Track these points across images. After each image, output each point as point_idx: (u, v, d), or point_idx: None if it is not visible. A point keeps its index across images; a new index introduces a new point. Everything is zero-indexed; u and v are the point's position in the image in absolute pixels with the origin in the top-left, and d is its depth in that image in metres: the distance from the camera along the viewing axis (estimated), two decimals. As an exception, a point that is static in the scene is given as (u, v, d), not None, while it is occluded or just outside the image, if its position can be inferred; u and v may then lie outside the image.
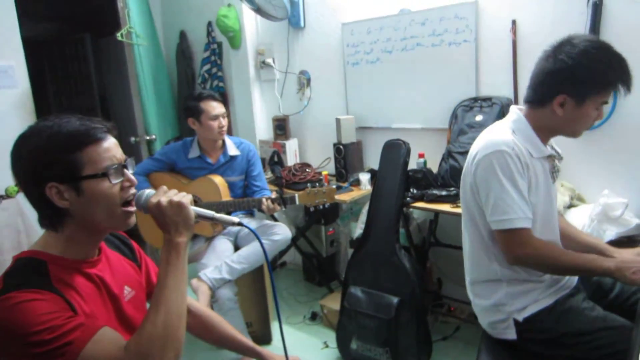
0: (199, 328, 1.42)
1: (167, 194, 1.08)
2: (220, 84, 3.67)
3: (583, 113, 1.40)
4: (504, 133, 1.45)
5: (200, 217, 1.12)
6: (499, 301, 1.52)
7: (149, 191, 1.11)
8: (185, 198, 1.08)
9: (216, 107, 2.50)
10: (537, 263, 1.42)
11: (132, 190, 1.09)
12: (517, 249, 1.40)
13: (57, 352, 0.90)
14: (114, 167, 1.04)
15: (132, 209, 1.09)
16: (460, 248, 2.57)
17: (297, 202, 2.29)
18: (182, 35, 3.82)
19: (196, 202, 2.52)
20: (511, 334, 1.51)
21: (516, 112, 1.51)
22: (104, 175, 1.02)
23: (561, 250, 1.47)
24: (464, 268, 1.67)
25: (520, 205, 1.38)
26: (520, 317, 1.49)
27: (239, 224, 1.14)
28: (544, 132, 1.48)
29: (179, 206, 1.06)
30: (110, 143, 1.06)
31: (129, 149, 3.41)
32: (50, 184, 1.00)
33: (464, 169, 1.56)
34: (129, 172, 1.09)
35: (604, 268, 1.35)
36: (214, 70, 3.65)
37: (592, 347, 1.39)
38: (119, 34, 3.25)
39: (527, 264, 1.44)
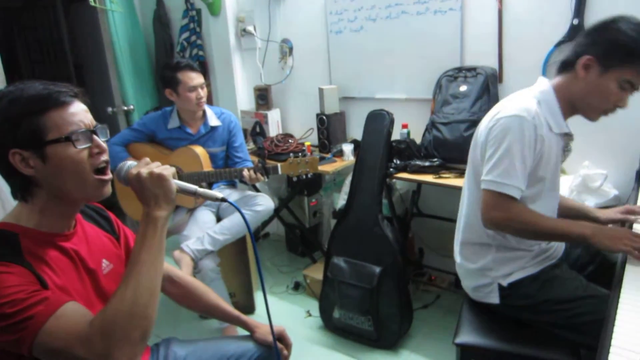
0: (185, 297, 1.41)
1: (149, 166, 1.04)
2: (200, 53, 3.58)
3: (604, 84, 1.36)
4: (530, 101, 1.42)
5: (182, 190, 1.08)
6: (486, 265, 1.54)
7: (130, 162, 1.07)
8: (167, 170, 1.04)
9: (194, 78, 2.42)
10: (513, 228, 1.42)
11: (103, 157, 1.04)
12: (496, 213, 1.39)
13: (18, 326, 0.87)
14: (80, 132, 0.99)
15: (106, 177, 1.05)
16: (442, 218, 2.64)
17: (280, 172, 2.27)
18: (159, 2, 3.69)
19: (177, 172, 2.48)
20: (494, 298, 1.54)
21: (545, 82, 1.49)
22: (68, 139, 0.97)
23: (539, 215, 1.47)
24: (456, 229, 1.68)
25: (519, 174, 1.37)
26: (504, 282, 1.52)
27: (222, 199, 1.11)
28: (567, 106, 1.45)
29: (159, 178, 1.01)
30: (78, 108, 1.02)
31: (107, 120, 3.32)
32: (13, 151, 0.96)
33: (477, 129, 1.54)
34: (99, 139, 1.04)
35: (578, 233, 1.36)
36: (193, 38, 3.55)
37: (572, 314, 1.43)
38: (91, -1, 3.12)
39: (502, 227, 1.43)
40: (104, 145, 1.05)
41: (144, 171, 1.02)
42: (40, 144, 0.96)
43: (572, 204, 1.72)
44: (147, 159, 1.07)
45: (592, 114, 1.46)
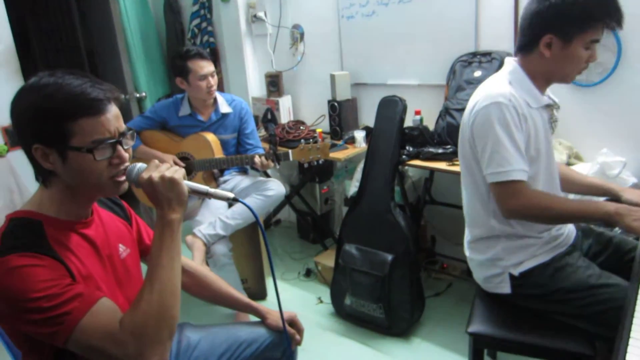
0: (195, 287, 1.42)
1: (159, 169, 1.03)
2: (211, 40, 3.56)
3: (572, 53, 1.37)
4: (501, 85, 1.42)
5: (194, 192, 1.08)
6: (496, 255, 1.52)
7: (140, 165, 1.06)
8: (178, 173, 1.03)
9: (204, 66, 2.41)
10: (532, 214, 1.39)
11: (122, 167, 1.03)
12: (511, 201, 1.37)
13: (55, 320, 0.89)
14: (105, 142, 0.98)
15: (122, 179, 1.05)
16: (454, 206, 2.61)
17: (291, 159, 2.26)
18: (170, -12, 3.67)
19: (189, 159, 2.49)
20: (506, 288, 1.53)
21: (512, 62, 1.48)
22: (89, 151, 0.97)
23: (556, 197, 1.45)
24: (465, 226, 1.66)
25: (516, 157, 1.36)
26: (516, 272, 1.50)
27: (234, 199, 1.11)
28: (540, 80, 1.45)
29: (171, 182, 1.01)
30: (109, 116, 0.99)
31: (119, 107, 3.33)
32: (36, 145, 0.96)
33: (462, 122, 1.54)
34: (123, 148, 1.03)
35: (603, 212, 1.32)
36: (204, 24, 3.53)
37: (585, 303, 1.41)
38: (102, -15, 3.11)
39: (522, 215, 1.41)
40: (126, 155, 1.04)
41: (156, 175, 1.01)
42: (63, 146, 0.96)
43: (593, 182, 1.68)
44: (157, 162, 1.06)
45: (568, 80, 1.46)
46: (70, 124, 0.95)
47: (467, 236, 1.66)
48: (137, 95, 3.49)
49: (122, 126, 1.03)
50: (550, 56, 1.39)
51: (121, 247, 1.18)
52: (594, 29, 1.34)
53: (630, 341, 0.91)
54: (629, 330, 0.94)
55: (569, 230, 1.59)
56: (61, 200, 1.03)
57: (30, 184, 2.57)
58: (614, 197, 1.62)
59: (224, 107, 2.57)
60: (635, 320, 0.98)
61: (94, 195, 1.09)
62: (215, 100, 2.55)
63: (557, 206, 1.38)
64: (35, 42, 4.65)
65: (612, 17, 1.33)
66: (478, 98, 1.43)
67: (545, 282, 1.47)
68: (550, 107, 1.51)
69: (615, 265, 1.55)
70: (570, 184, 1.69)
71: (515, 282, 1.51)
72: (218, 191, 1.10)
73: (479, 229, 1.57)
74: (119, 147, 1.02)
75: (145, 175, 1.02)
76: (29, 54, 4.44)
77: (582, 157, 2.20)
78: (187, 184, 1.05)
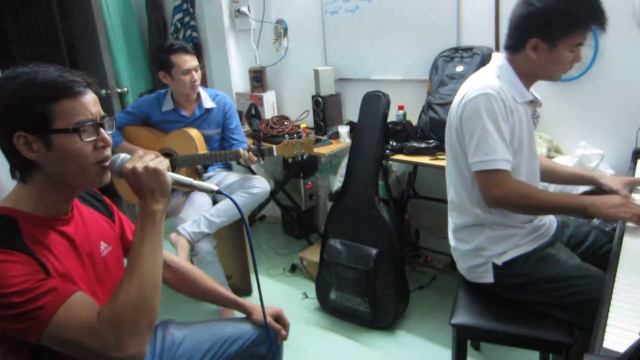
0: (180, 283, 1.41)
1: (143, 159, 1.03)
2: (194, 34, 3.53)
3: (557, 56, 1.41)
4: (490, 78, 1.46)
5: (177, 183, 1.08)
6: (480, 245, 1.55)
7: (123, 156, 1.06)
8: (162, 164, 1.03)
9: (188, 61, 2.39)
10: (514, 203, 1.43)
11: (107, 152, 1.04)
12: (494, 190, 1.41)
13: (27, 315, 0.88)
14: (88, 124, 0.98)
15: (107, 163, 1.04)
16: (438, 200, 2.64)
17: (275, 154, 2.26)
18: (152, -19, 3.62)
19: (172, 155, 2.47)
20: (489, 278, 1.55)
21: (500, 58, 1.52)
22: (75, 131, 0.96)
23: (537, 189, 1.50)
24: (448, 216, 1.69)
25: (502, 147, 1.40)
26: (499, 261, 1.53)
27: (218, 191, 1.11)
28: (526, 77, 1.49)
29: (155, 172, 1.01)
30: (89, 98, 1.00)
31: (101, 103, 3.28)
32: (18, 133, 0.95)
33: (449, 112, 1.57)
34: (105, 132, 1.03)
35: (579, 203, 1.39)
36: (187, 19, 3.50)
37: (566, 293, 1.44)
38: (82, -22, 3.06)
39: (504, 204, 1.45)
40: (109, 139, 1.04)
41: (139, 165, 1.01)
42: (46, 130, 0.95)
43: (575, 172, 1.76)
44: (141, 152, 1.06)
45: (555, 79, 1.51)
46: (51, 107, 0.95)
47: (451, 225, 1.68)
48: (119, 90, 3.44)
49: (102, 111, 1.04)
50: (536, 58, 1.43)
51: (102, 245, 1.17)
52: (578, 33, 1.38)
53: (608, 328, 0.94)
54: (606, 317, 0.97)
55: (550, 220, 1.63)
56: (40, 195, 1.01)
57: (7, 180, 2.51)
58: (594, 185, 1.69)
59: (208, 102, 2.55)
60: (612, 308, 1.00)
61: (77, 187, 1.07)
62: (198, 95, 2.53)
63: (538, 197, 1.44)
64: (13, 37, 4.55)
65: (597, 22, 1.37)
66: (467, 89, 1.47)
67: (528, 271, 1.50)
68: (534, 103, 1.57)
69: (593, 256, 1.59)
70: (552, 175, 1.75)
71: (498, 271, 1.53)
72: (202, 183, 1.10)
73: (464, 217, 1.59)
74: (102, 130, 1.02)
75: (129, 165, 1.02)
76: (6, 49, 4.34)
77: (562, 150, 2.24)
78: (171, 175, 1.05)
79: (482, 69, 1.56)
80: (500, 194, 1.41)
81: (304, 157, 2.27)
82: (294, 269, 2.98)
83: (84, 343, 0.90)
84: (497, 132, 1.39)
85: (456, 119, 1.49)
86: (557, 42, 1.39)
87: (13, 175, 1.03)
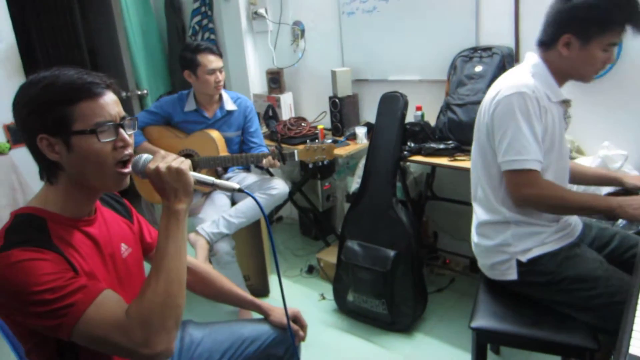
0: (199, 285, 1.42)
1: (166, 160, 1.04)
2: (212, 37, 3.56)
3: (589, 54, 1.39)
4: (525, 76, 1.44)
5: (200, 183, 1.09)
6: (505, 241, 1.53)
7: (146, 156, 1.07)
8: (184, 164, 1.04)
9: (213, 61, 2.43)
10: (542, 203, 1.43)
11: (127, 151, 1.05)
12: (524, 189, 1.41)
13: (59, 312, 0.90)
14: (106, 125, 1.00)
15: (127, 170, 1.06)
16: (456, 202, 2.61)
17: (297, 159, 2.26)
18: (170, -15, 3.67)
19: (193, 156, 2.49)
20: (512, 275, 1.53)
21: (534, 56, 1.51)
22: (93, 132, 0.98)
23: (566, 189, 1.50)
24: (472, 212, 1.67)
25: (534, 147, 1.39)
26: (524, 258, 1.51)
27: (240, 190, 1.12)
28: (559, 76, 1.48)
29: (177, 172, 1.02)
30: (108, 99, 1.01)
31: (121, 104, 3.34)
32: (41, 135, 0.97)
33: (480, 109, 1.55)
34: (125, 133, 1.04)
35: (606, 204, 1.39)
36: (205, 22, 3.53)
37: (590, 295, 1.41)
38: (103, -17, 3.11)
39: (533, 204, 1.45)
40: (129, 139, 1.05)
41: (162, 166, 1.02)
42: (66, 132, 0.97)
43: (599, 173, 1.75)
44: (163, 152, 1.08)
45: (586, 79, 1.49)
46: (71, 109, 0.96)
47: (475, 221, 1.66)
48: (139, 92, 3.49)
49: (122, 112, 1.05)
50: (567, 55, 1.42)
51: (123, 246, 1.19)
52: (613, 32, 1.37)
53: (634, 334, 0.91)
54: (632, 322, 0.94)
55: (576, 221, 1.61)
56: (65, 196, 1.03)
57: (32, 182, 2.57)
58: (618, 184, 1.68)
59: (229, 105, 2.57)
60: (638, 313, 0.98)
61: (98, 189, 1.09)
62: (220, 97, 2.56)
63: (567, 197, 1.43)
64: (37, 40, 4.66)
65: (633, 22, 1.35)
66: (501, 87, 1.45)
67: (553, 269, 1.48)
68: (567, 102, 1.54)
69: (617, 260, 1.56)
70: (575, 176, 1.73)
71: (522, 268, 1.51)
72: (224, 182, 1.12)
73: (489, 214, 1.57)
74: (121, 131, 1.03)
75: (152, 165, 1.03)
76: (30, 52, 4.44)
77: (584, 151, 2.19)
78: (193, 174, 1.07)
79: (517, 67, 1.55)
80: (530, 194, 1.41)
81: (325, 162, 2.26)
82: (311, 270, 2.98)
83: (114, 340, 0.92)
84: (530, 131, 1.38)
85: (487, 116, 1.48)
86: (590, 40, 1.37)
87: (41, 177, 1.05)
